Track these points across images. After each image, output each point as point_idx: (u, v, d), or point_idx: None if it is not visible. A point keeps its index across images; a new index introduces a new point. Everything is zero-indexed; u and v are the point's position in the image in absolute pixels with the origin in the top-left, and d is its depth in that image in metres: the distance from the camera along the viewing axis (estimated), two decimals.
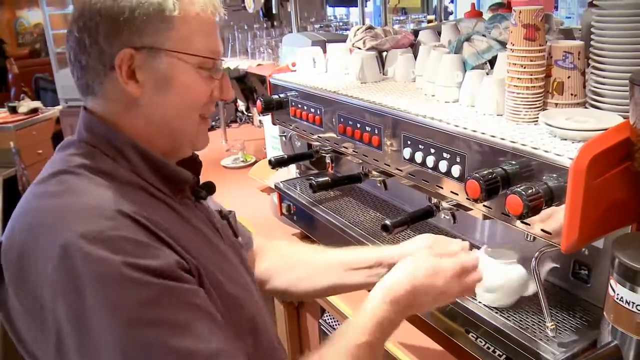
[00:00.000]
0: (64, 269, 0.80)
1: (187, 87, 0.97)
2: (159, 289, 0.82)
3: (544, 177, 1.00)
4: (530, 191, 0.96)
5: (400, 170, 1.41)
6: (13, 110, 4.63)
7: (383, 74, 1.74)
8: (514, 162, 1.06)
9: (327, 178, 1.76)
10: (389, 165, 1.45)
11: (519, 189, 0.97)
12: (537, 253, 1.13)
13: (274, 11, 3.23)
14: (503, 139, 1.09)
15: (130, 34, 0.91)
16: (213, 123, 3.47)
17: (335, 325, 1.70)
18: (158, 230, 0.87)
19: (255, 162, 2.77)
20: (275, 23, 3.35)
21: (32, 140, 4.52)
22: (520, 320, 1.21)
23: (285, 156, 1.96)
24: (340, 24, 3.41)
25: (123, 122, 0.97)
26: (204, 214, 1.08)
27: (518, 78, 1.14)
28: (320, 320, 1.78)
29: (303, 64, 1.96)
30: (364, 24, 2.60)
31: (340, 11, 5.37)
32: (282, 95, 1.88)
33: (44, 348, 0.85)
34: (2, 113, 4.68)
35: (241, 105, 3.62)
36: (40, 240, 0.84)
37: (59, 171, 0.92)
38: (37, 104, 4.91)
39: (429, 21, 3.42)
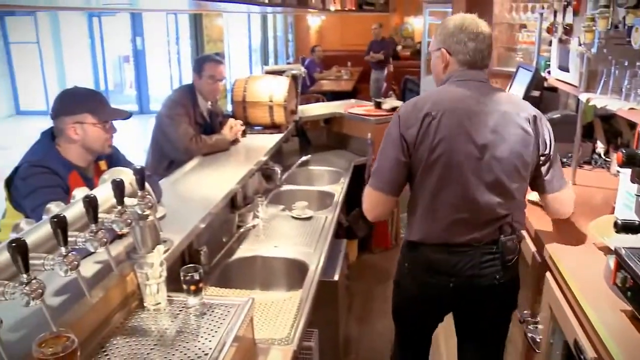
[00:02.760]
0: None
1: None
2: None
3: None
4: None
5: None
6: (378, 105, 4.99)
7: None
8: None
9: None
10: None
11: None
12: None
13: None
14: None
15: None
16: (564, 160, 3.22)
17: None
18: None
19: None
20: None
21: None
22: None
23: (637, 222, 1.69)
24: None
25: None
26: None
27: None
28: None
29: None
30: None
31: None
32: None
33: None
34: (369, 106, 5.09)
35: (600, 147, 3.28)
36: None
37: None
38: (398, 103, 5.21)
39: None
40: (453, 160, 1.96)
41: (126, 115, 2.29)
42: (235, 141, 3.70)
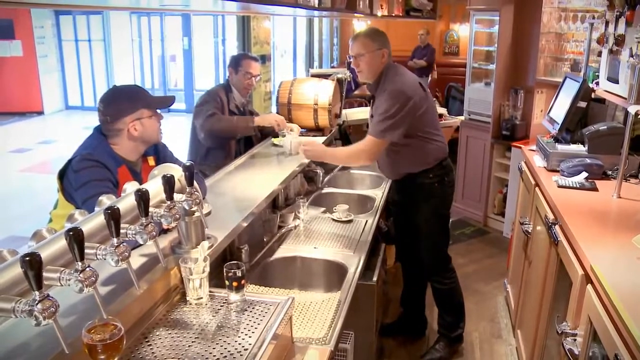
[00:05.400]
0: None
1: None
2: None
3: None
4: None
5: None
6: None
7: None
8: None
9: None
10: None
11: None
12: None
13: None
14: None
15: None
16: (609, 172, 3.16)
17: None
18: None
19: None
20: None
21: None
22: None
23: None
24: None
25: None
26: None
27: None
28: None
29: None
30: None
31: None
32: None
33: None
34: None
35: None
36: None
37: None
38: (442, 110, 5.19)
39: None
40: (434, 110, 3.18)
41: (172, 100, 2.39)
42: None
